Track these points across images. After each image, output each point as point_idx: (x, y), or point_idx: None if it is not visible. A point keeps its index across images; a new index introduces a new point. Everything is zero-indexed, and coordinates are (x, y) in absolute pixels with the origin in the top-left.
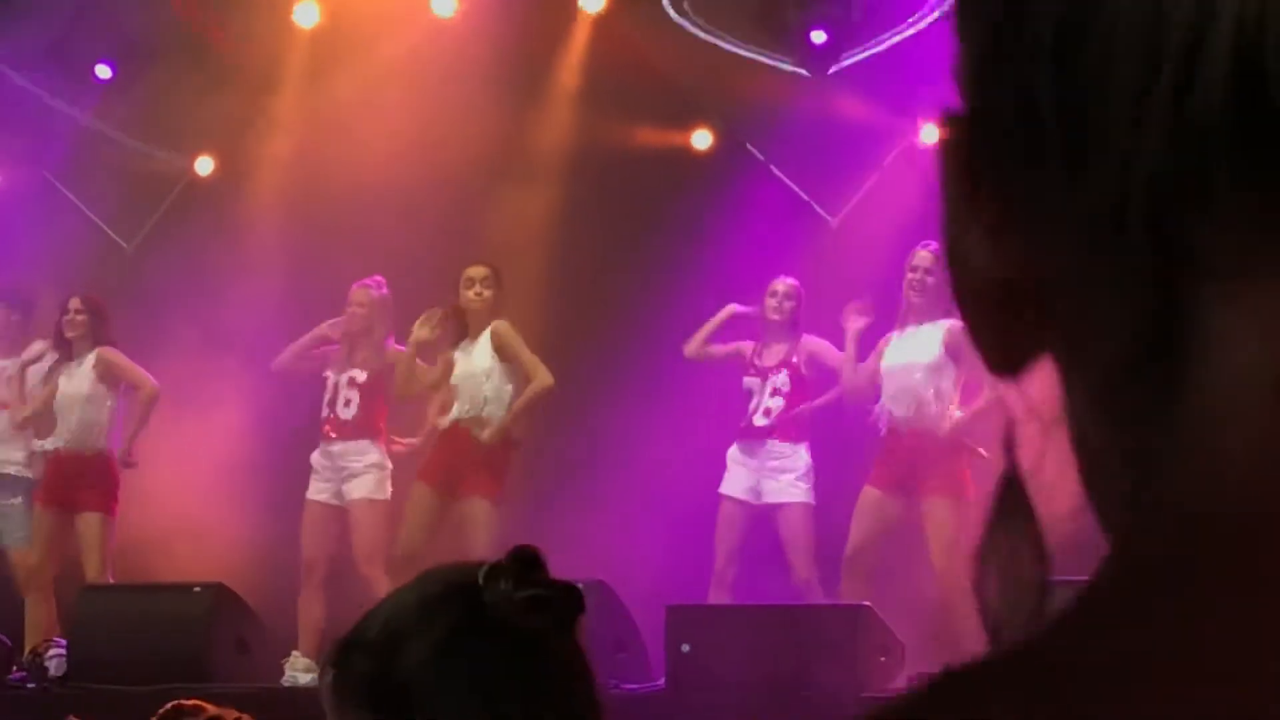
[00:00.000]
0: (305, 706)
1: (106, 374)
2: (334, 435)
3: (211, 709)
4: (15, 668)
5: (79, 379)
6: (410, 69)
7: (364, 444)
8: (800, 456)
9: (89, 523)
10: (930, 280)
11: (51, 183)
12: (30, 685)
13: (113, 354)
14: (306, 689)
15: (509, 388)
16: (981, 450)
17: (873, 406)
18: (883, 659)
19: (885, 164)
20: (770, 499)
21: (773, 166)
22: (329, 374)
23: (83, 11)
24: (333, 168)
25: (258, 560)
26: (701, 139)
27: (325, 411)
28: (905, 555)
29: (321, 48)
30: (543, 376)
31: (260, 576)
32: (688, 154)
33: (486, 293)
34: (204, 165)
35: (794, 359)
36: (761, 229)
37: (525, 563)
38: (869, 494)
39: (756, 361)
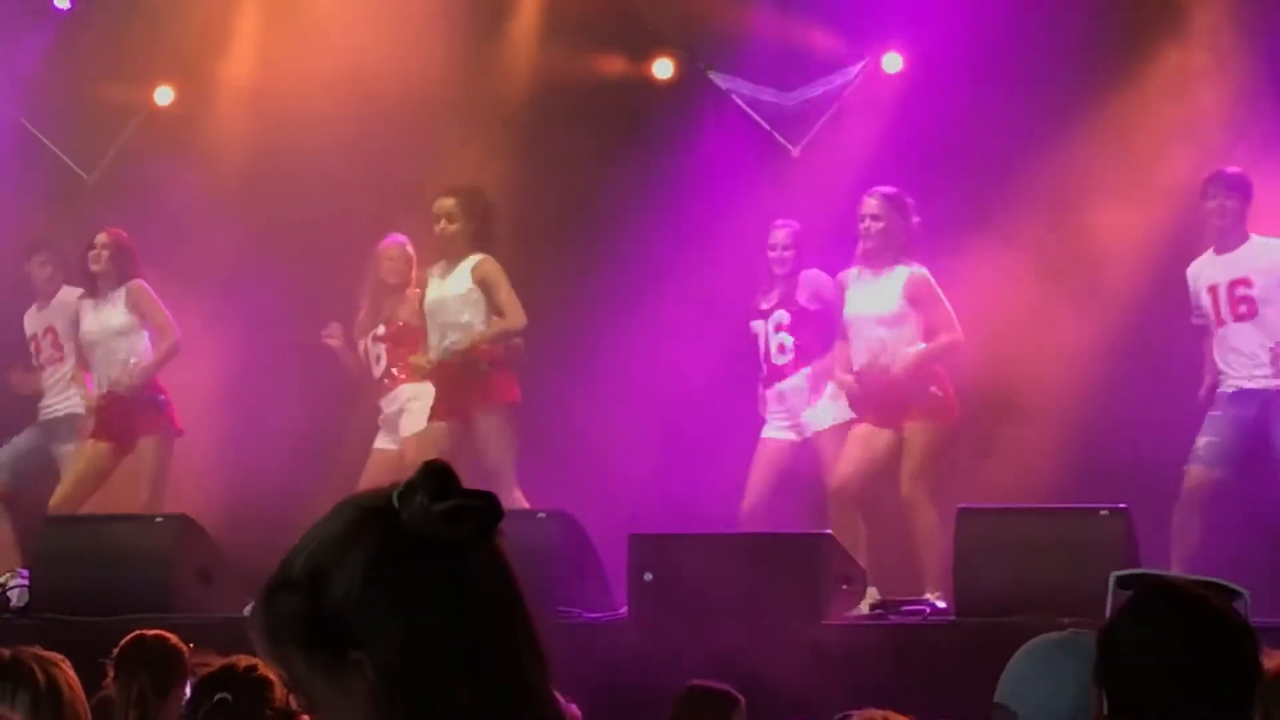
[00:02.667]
0: None
1: (136, 307)
2: (382, 390)
3: (176, 640)
4: None
5: (109, 314)
6: None
7: (401, 388)
8: (819, 377)
9: (148, 447)
10: (880, 225)
11: (10, 113)
12: None
13: (144, 289)
14: None
15: (480, 319)
16: (934, 389)
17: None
18: (845, 587)
19: (846, 93)
20: (812, 429)
21: (734, 96)
22: (361, 342)
23: None
24: (293, 97)
25: (222, 492)
26: (663, 68)
27: (378, 373)
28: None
29: None
30: (516, 316)
31: (224, 508)
32: (649, 84)
33: (451, 226)
34: (163, 95)
35: (794, 295)
36: (723, 158)
37: (438, 475)
38: (859, 428)
39: (759, 305)
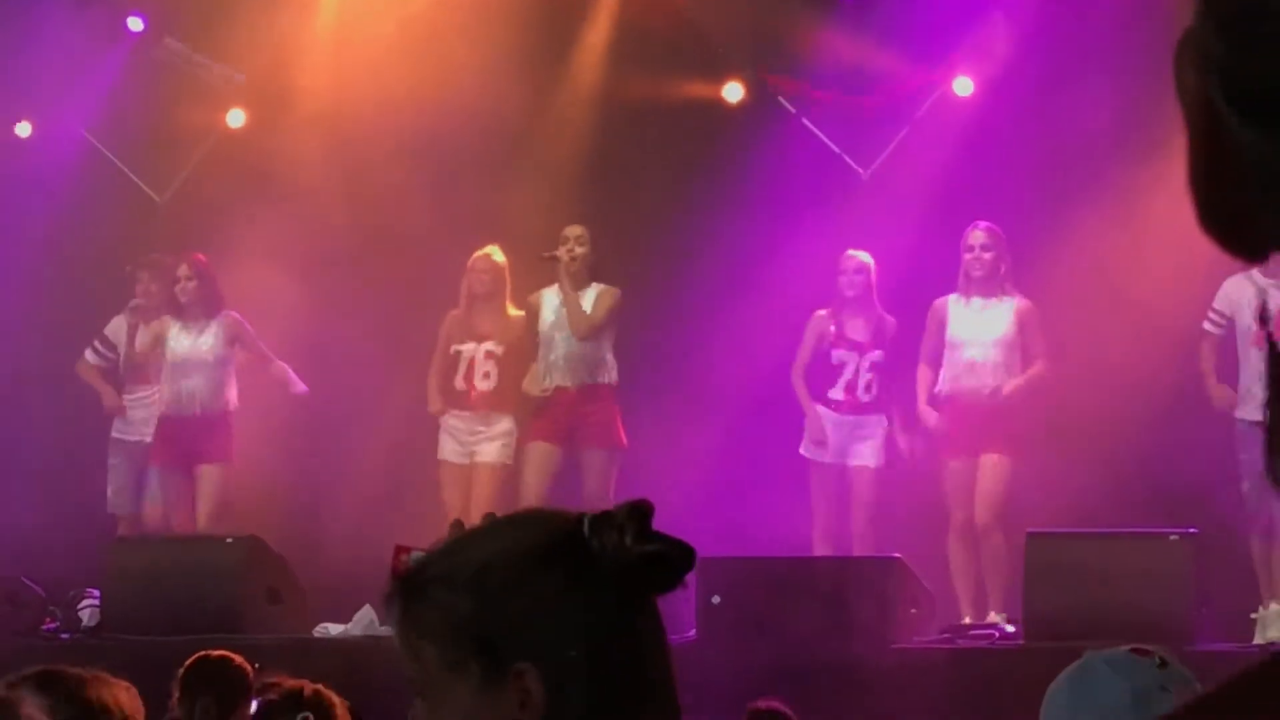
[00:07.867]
0: (336, 657)
1: (234, 339)
2: (471, 405)
3: (241, 661)
4: (48, 618)
5: (204, 343)
6: (441, 19)
7: (498, 414)
8: (881, 424)
9: (210, 474)
10: (990, 255)
11: (83, 135)
12: (64, 635)
13: (241, 322)
14: (337, 640)
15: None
16: (1019, 425)
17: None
18: (913, 610)
19: (917, 116)
20: (854, 461)
21: (804, 119)
22: (457, 347)
23: None
24: (364, 120)
25: (290, 512)
26: (733, 92)
27: (461, 384)
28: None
29: None
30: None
31: (293, 528)
32: (719, 107)
33: (579, 249)
34: (235, 118)
35: (884, 334)
36: (793, 182)
37: (642, 516)
38: (953, 467)
39: (846, 334)
